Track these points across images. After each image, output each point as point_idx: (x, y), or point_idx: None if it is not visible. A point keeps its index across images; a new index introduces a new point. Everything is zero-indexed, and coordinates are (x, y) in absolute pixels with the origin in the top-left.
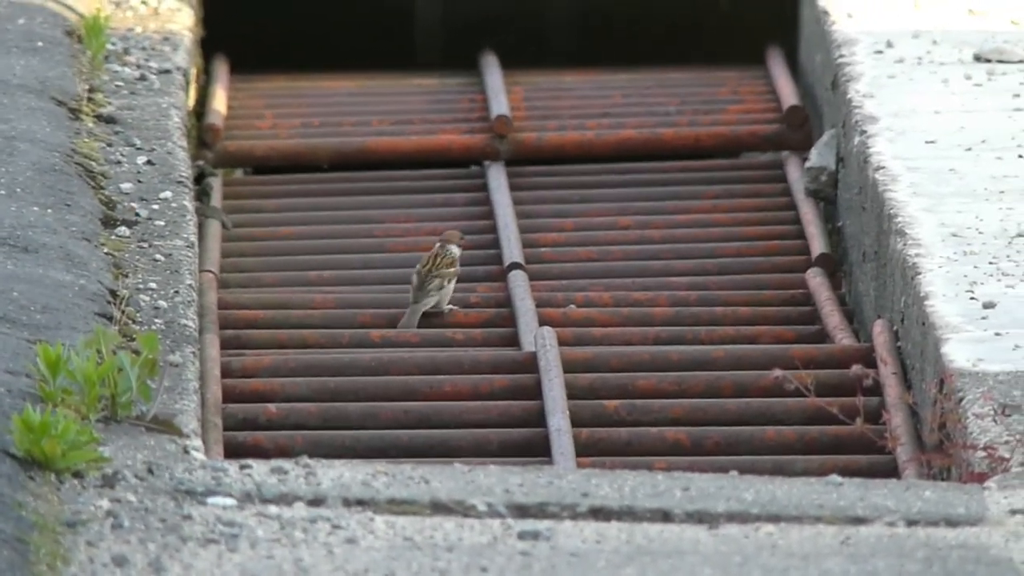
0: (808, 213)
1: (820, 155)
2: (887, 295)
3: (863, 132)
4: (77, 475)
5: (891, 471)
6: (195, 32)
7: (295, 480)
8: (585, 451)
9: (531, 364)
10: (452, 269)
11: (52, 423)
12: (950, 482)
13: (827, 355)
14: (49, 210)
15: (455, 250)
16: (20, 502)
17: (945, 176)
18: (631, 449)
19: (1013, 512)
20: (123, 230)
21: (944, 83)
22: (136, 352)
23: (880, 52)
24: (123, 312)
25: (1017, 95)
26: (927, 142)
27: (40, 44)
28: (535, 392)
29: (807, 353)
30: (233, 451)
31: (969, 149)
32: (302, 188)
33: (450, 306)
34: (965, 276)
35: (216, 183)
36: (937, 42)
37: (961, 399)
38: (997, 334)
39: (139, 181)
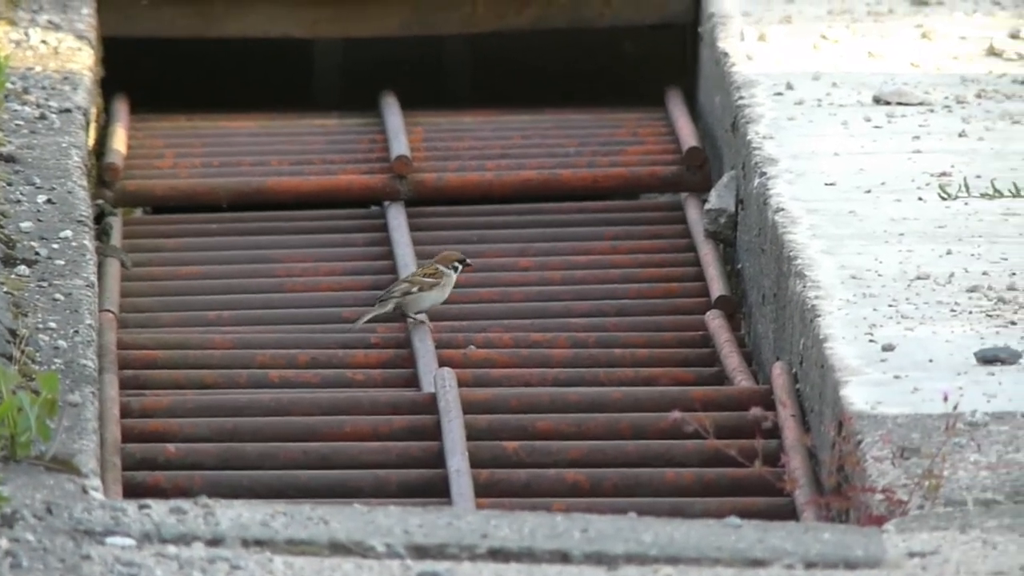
0: (708, 255)
1: (720, 197)
2: (786, 337)
3: (763, 174)
4: None
5: (789, 514)
6: (95, 72)
7: (194, 520)
8: (484, 492)
9: (431, 405)
10: (429, 280)
11: None
12: (849, 525)
13: (726, 397)
14: None
15: (443, 268)
16: None
17: (845, 218)
18: (530, 490)
19: (911, 555)
20: (23, 269)
21: (844, 125)
22: (35, 392)
23: (780, 94)
24: (23, 351)
25: (916, 137)
26: (827, 184)
27: None
28: (435, 433)
29: (706, 395)
30: (132, 491)
31: (869, 191)
32: (202, 228)
33: (420, 316)
34: (864, 318)
35: (116, 222)
36: (837, 84)
37: (860, 442)
38: (896, 376)
39: (39, 220)
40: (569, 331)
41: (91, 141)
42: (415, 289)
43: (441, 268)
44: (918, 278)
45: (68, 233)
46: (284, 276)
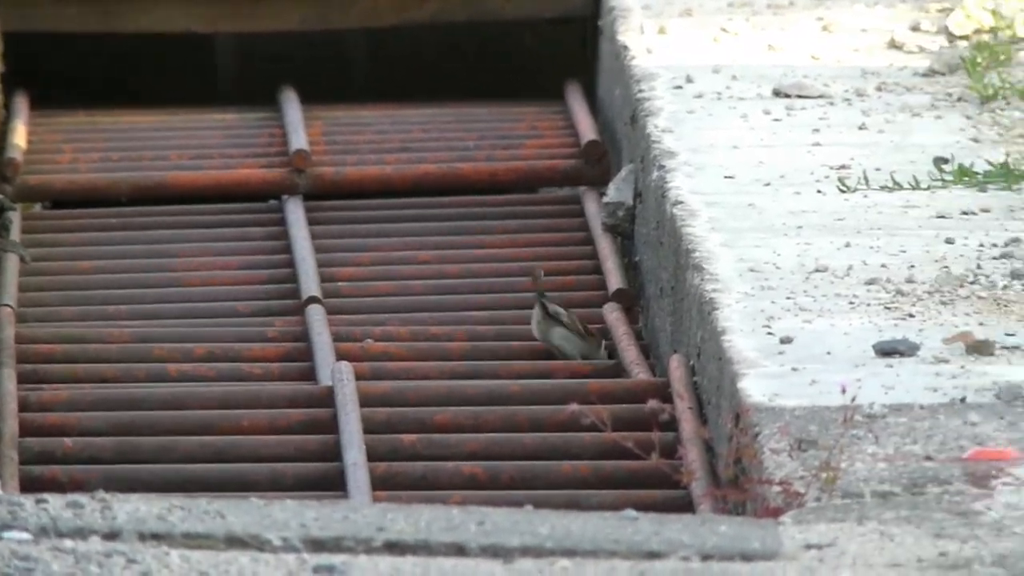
0: (605, 248)
1: (618, 190)
2: (684, 330)
3: (661, 167)
4: None
5: (686, 506)
6: None
7: (91, 514)
8: (381, 485)
9: (328, 398)
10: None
11: None
12: (746, 517)
13: (623, 389)
14: None
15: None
16: None
17: (744, 211)
18: (427, 483)
19: (808, 547)
20: None
21: (743, 118)
22: None
23: (680, 87)
24: None
25: (816, 130)
26: (726, 177)
27: None
28: (331, 426)
29: (603, 387)
30: (29, 485)
31: (768, 184)
32: (101, 222)
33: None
34: (762, 311)
35: (15, 217)
36: (737, 77)
37: (757, 434)
38: (794, 369)
39: None
40: (467, 324)
41: None
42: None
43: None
44: (816, 271)
45: None
46: (182, 270)
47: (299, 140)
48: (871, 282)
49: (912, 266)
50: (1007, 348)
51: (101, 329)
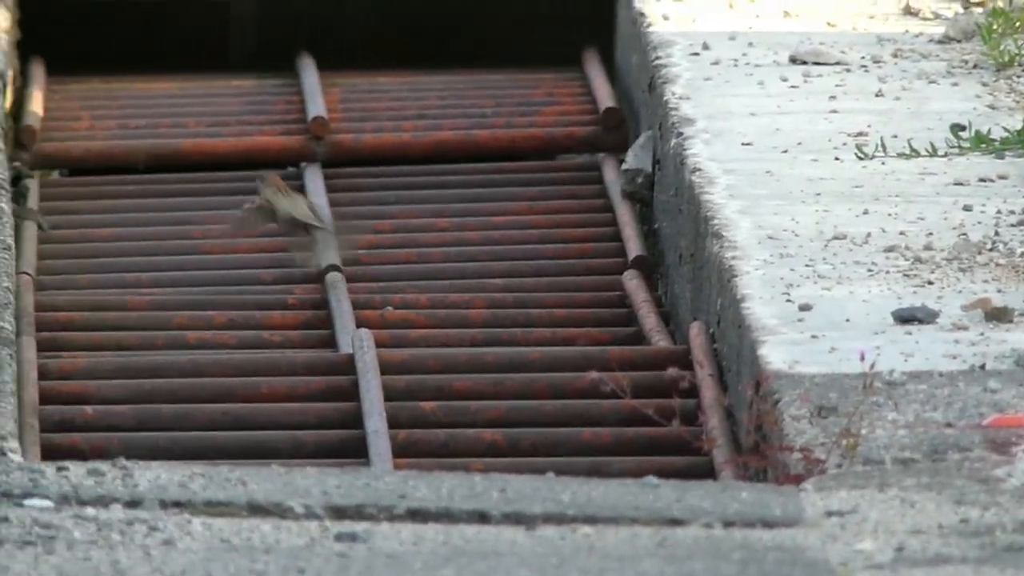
0: (624, 215)
1: (636, 157)
2: (703, 297)
3: (679, 134)
4: None
5: (708, 473)
6: (11, 34)
7: (112, 482)
8: (402, 452)
9: (348, 366)
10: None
11: None
12: (767, 484)
13: (643, 357)
14: None
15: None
16: None
17: (761, 178)
18: (448, 451)
19: (829, 514)
20: None
21: (760, 85)
22: None
23: (696, 54)
24: None
25: (833, 97)
26: (743, 144)
27: None
28: (352, 394)
29: (623, 355)
30: (50, 453)
31: (785, 151)
32: (118, 190)
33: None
34: (781, 278)
35: (33, 185)
36: (753, 44)
37: (777, 401)
38: (813, 336)
39: None
40: (486, 292)
41: (7, 104)
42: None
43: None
44: (835, 238)
45: None
46: (201, 238)
47: (317, 107)
48: (890, 249)
49: (930, 233)
50: None
51: (120, 297)
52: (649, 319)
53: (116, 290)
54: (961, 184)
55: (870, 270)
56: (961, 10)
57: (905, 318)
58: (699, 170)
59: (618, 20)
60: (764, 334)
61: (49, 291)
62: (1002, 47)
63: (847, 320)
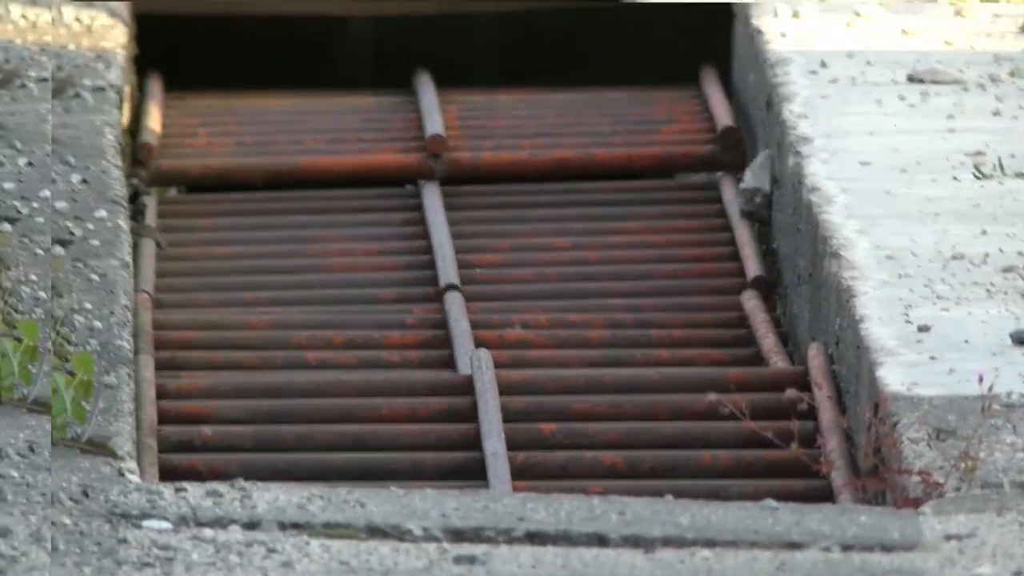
0: (743, 234)
1: (755, 176)
2: (822, 318)
3: (797, 153)
4: None
5: (826, 496)
6: (129, 49)
7: (230, 503)
8: (521, 475)
9: (467, 387)
10: None
11: None
12: (885, 507)
13: (762, 378)
14: None
15: None
16: None
17: (880, 198)
18: (567, 473)
19: (948, 537)
20: (58, 249)
21: (878, 104)
22: (71, 373)
23: (814, 72)
24: (58, 333)
25: (951, 116)
26: (861, 163)
27: None
28: (471, 415)
29: (742, 376)
30: (168, 474)
31: (903, 170)
32: (236, 207)
33: None
34: (900, 299)
35: (151, 202)
36: (871, 63)
37: (896, 423)
38: (932, 358)
39: (73, 200)
40: (606, 312)
41: (125, 120)
42: None
43: None
44: (953, 258)
45: (103, 213)
46: (319, 256)
47: (435, 125)
48: (1008, 270)
49: None
50: None
51: (238, 316)
52: (768, 339)
53: (234, 309)
54: None
55: (988, 291)
56: None
57: (1023, 340)
58: (817, 189)
59: (735, 38)
60: (882, 355)
61: (167, 309)
62: None
63: (965, 341)
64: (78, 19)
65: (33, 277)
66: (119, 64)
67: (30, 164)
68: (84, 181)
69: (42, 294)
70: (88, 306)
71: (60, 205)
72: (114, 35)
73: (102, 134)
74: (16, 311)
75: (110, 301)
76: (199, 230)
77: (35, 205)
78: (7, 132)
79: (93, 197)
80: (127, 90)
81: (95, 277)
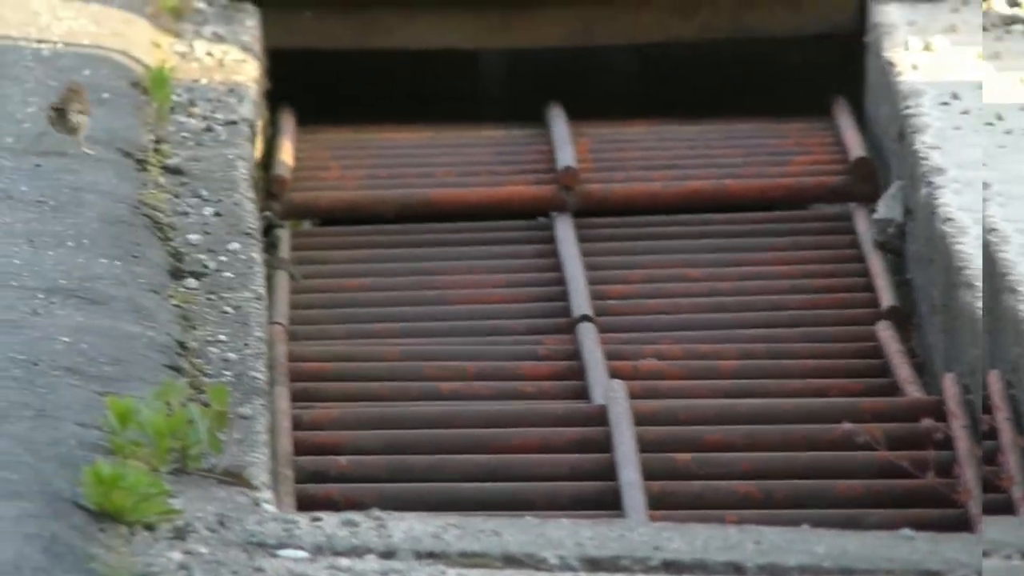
0: (876, 265)
1: (887, 207)
2: (957, 348)
3: (930, 184)
4: (148, 527)
5: (963, 525)
6: (260, 83)
7: (366, 532)
8: (657, 504)
9: (601, 417)
10: None
11: (122, 475)
12: None
13: (896, 408)
14: (117, 262)
15: None
16: (91, 554)
17: None
18: (702, 502)
19: None
20: (191, 282)
21: (1008, 134)
22: (206, 404)
23: (946, 104)
24: (193, 364)
25: None
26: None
27: (106, 96)
28: (605, 445)
29: (876, 406)
30: (303, 503)
31: None
32: (368, 240)
33: None
34: None
35: (284, 235)
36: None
37: None
38: None
39: (206, 232)
40: (738, 342)
41: (257, 153)
42: None
43: None
44: None
45: (236, 245)
46: (450, 288)
47: (567, 157)
48: None
49: None
50: None
51: (372, 347)
52: (902, 370)
53: (367, 340)
54: None
55: None
56: None
57: None
58: (950, 220)
59: (867, 70)
60: None
61: (301, 341)
62: None
63: None
64: (210, 54)
65: (222, 337)
66: (251, 98)
67: (217, 214)
68: (217, 214)
69: (231, 355)
70: (222, 338)
71: (193, 237)
72: (246, 69)
73: (235, 167)
74: (204, 373)
75: (244, 333)
76: (332, 262)
77: (223, 259)
78: (192, 179)
79: (226, 230)
80: (260, 124)
81: (229, 309)
